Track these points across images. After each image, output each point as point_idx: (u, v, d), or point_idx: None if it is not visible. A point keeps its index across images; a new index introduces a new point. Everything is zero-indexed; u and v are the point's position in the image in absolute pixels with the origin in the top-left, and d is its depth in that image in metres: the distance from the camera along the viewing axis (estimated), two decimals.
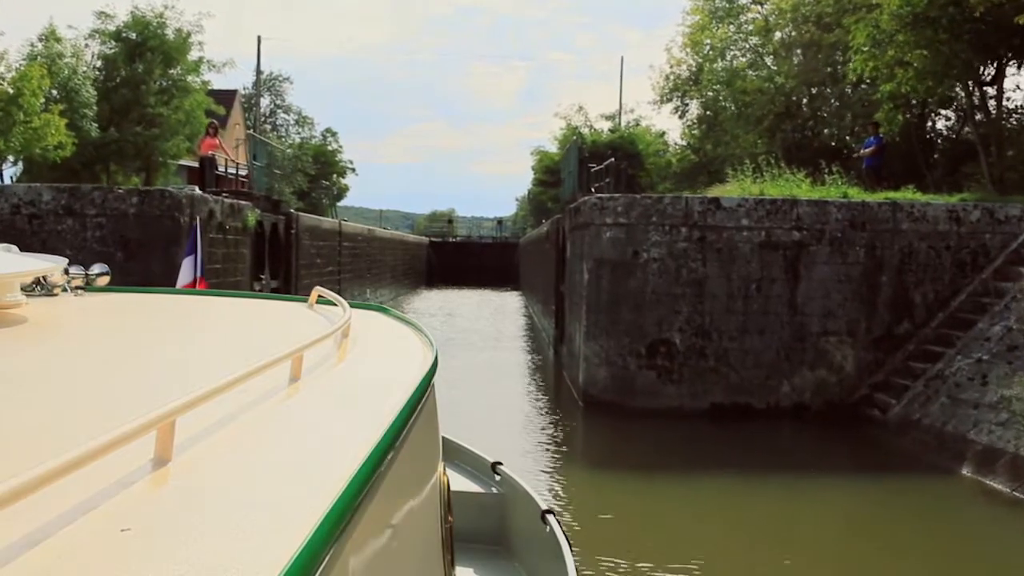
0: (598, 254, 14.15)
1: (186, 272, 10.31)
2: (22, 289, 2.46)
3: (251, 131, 24.85)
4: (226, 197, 17.57)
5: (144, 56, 35.00)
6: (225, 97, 48.64)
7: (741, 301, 13.97)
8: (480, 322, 32.81)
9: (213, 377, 1.34)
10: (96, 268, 3.04)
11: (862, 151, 18.99)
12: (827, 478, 10.97)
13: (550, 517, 3.71)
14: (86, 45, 36.09)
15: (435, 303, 42.24)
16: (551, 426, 13.79)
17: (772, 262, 13.99)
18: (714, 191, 16.11)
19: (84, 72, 33.51)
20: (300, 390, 1.74)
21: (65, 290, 2.89)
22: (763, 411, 13.93)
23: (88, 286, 3.01)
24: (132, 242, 14.05)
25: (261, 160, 20.30)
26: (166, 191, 14.46)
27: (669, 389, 13.94)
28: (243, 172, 24.27)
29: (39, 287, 2.74)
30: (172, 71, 35.85)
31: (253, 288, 17.93)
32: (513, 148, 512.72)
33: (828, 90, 30.83)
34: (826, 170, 16.54)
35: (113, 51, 35.33)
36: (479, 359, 20.91)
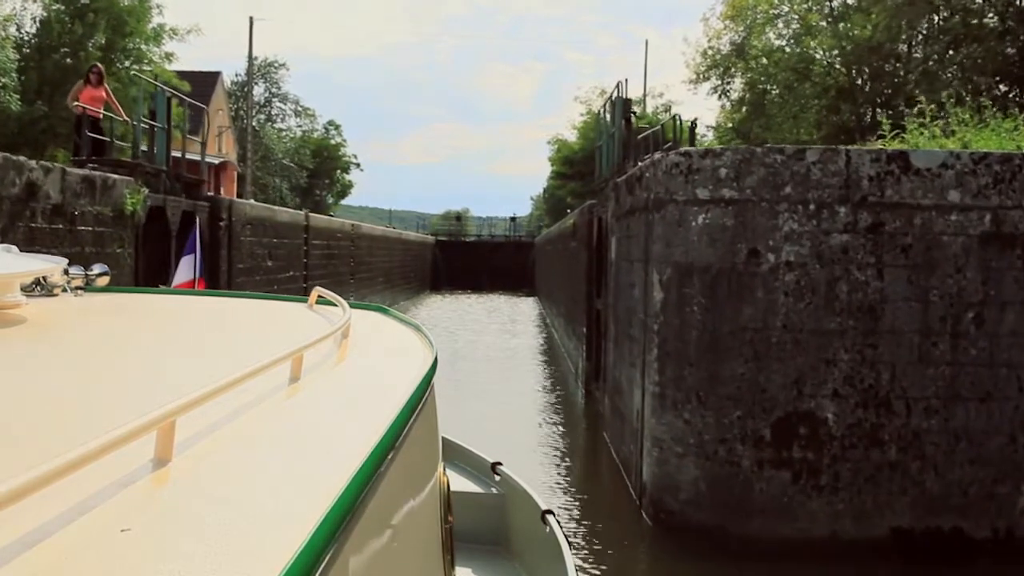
0: (682, 255, 7.83)
1: (184, 271, 9.67)
2: (22, 289, 2.37)
3: (135, 71, 18.53)
4: (80, 167, 11.35)
5: (86, 17, 29.28)
6: (204, 79, 42.90)
7: (947, 342, 7.62)
8: (487, 336, 26.93)
9: (213, 377, 1.31)
10: (96, 268, 2.94)
11: None
12: None
13: (550, 517, 3.57)
14: (24, 7, 30.61)
15: (437, 312, 36.15)
16: None
17: (1003, 271, 7.65)
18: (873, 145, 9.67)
19: (3, 34, 27.87)
20: (300, 390, 1.71)
21: (65, 290, 2.76)
22: (986, 544, 7.58)
23: (88, 286, 2.88)
24: None
25: (162, 120, 14.02)
26: None
27: (814, 504, 7.60)
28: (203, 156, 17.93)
29: (39, 287, 2.63)
30: (126, 40, 30.34)
31: None
32: (529, 149, 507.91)
33: (894, 64, 25.30)
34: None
35: (51, 11, 29.63)
36: (474, 410, 14.50)
